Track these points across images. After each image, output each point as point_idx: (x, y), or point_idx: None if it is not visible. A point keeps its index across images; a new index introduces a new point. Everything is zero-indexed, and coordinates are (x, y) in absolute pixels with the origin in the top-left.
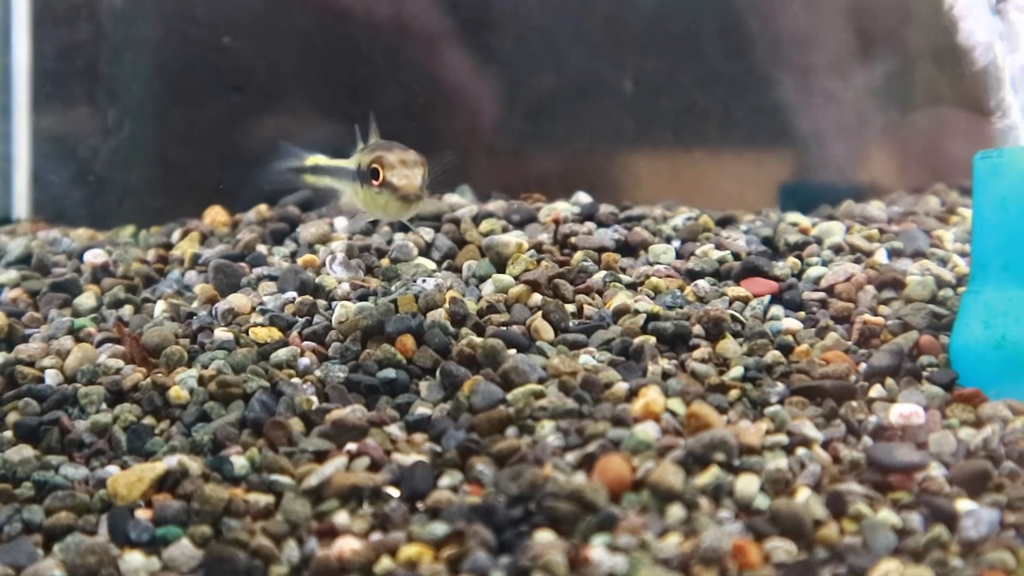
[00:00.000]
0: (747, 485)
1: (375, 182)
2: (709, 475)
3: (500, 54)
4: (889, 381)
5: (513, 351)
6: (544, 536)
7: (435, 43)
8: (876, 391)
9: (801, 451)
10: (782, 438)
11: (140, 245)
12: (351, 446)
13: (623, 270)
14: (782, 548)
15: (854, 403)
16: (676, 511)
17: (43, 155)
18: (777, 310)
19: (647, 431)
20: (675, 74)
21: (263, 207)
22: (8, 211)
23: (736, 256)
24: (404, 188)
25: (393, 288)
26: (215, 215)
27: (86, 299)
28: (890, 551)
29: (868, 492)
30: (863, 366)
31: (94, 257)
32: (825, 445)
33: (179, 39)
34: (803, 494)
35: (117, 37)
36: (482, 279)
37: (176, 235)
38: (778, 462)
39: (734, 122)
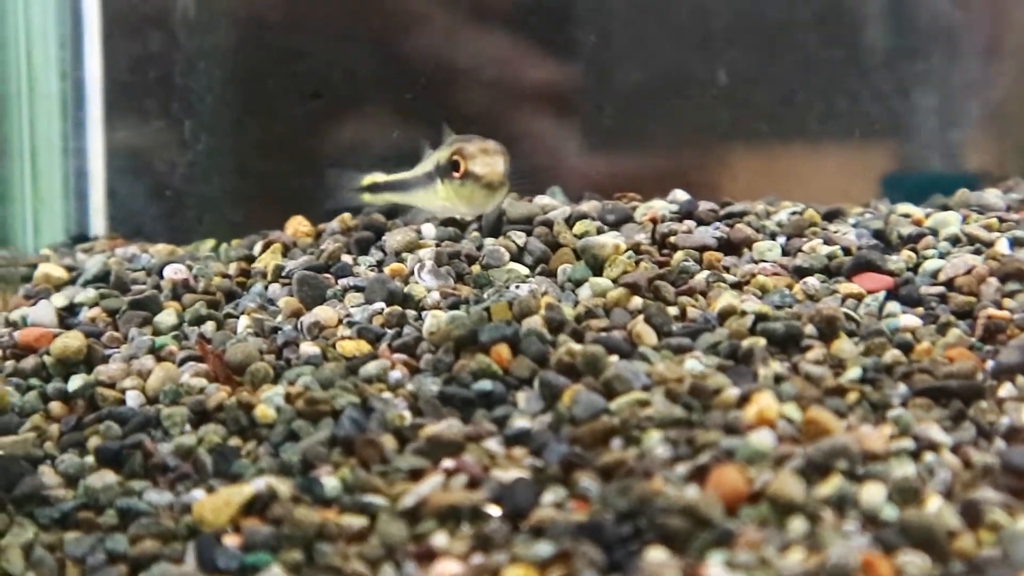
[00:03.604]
0: (873, 494)
1: (456, 174)
2: (831, 485)
3: (586, 49)
4: (1020, 379)
5: (615, 358)
6: (656, 554)
7: (518, 40)
8: (1006, 390)
9: (929, 456)
10: (907, 443)
11: (221, 259)
12: (448, 463)
13: (727, 269)
14: (915, 562)
15: (983, 403)
16: (798, 524)
17: (119, 170)
18: (893, 306)
19: (762, 439)
20: (771, 63)
21: (347, 216)
22: (85, 228)
23: (846, 251)
24: (488, 175)
25: (485, 296)
26: (297, 225)
27: (167, 316)
28: None
29: (1005, 499)
30: (990, 363)
31: (174, 272)
32: (954, 449)
33: (254, 46)
34: (934, 503)
35: (191, 46)
36: (578, 283)
37: (258, 247)
38: (905, 469)
39: (835, 112)
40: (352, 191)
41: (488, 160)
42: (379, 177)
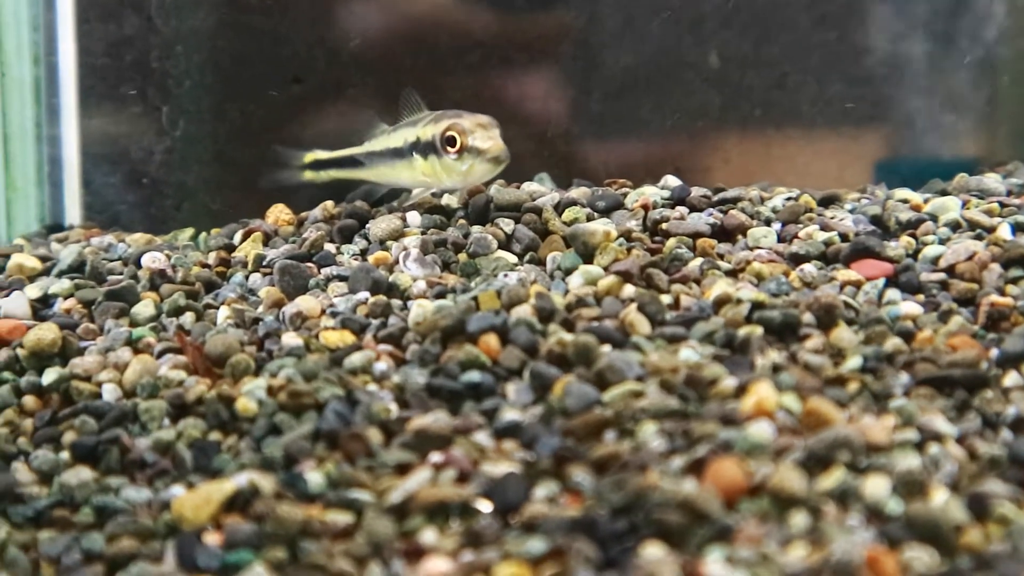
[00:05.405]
0: (877, 487)
1: (452, 149)
2: (833, 477)
3: (574, 31)
4: None
5: (607, 347)
6: (653, 551)
7: (503, 22)
8: (1011, 379)
9: (934, 448)
10: (911, 434)
11: (200, 248)
12: (436, 457)
13: (721, 256)
14: (921, 557)
15: (988, 393)
16: (799, 519)
17: (94, 158)
18: (893, 294)
19: (761, 431)
20: (763, 46)
21: (329, 203)
22: (60, 218)
23: (844, 237)
24: (492, 149)
25: (473, 284)
26: (278, 214)
27: (144, 307)
28: None
29: (1013, 492)
30: (994, 352)
31: (152, 261)
32: (960, 440)
33: (233, 29)
34: (940, 496)
35: (168, 30)
36: (568, 271)
37: (238, 236)
38: (909, 461)
39: (829, 96)
40: (294, 169)
41: (488, 134)
42: (321, 154)
